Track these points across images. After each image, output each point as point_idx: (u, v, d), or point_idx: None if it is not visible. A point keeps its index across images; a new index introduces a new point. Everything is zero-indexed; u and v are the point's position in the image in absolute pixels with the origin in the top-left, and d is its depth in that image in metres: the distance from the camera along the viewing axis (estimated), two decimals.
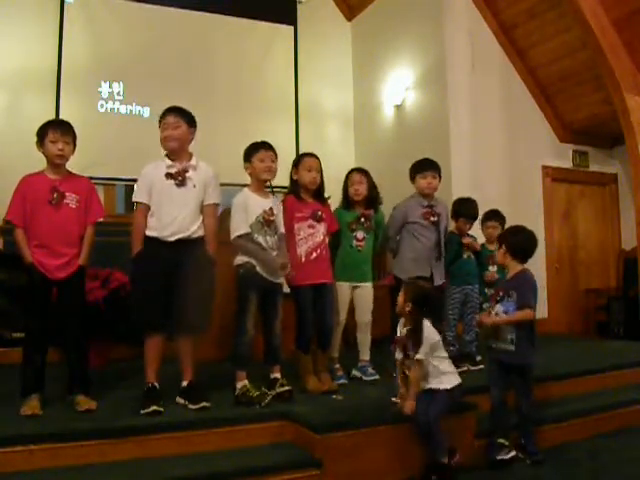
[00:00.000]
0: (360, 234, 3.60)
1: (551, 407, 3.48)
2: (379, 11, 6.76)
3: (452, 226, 4.03)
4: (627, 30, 5.10)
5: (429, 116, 5.95)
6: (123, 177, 5.76)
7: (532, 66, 6.27)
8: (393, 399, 2.96)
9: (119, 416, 2.74)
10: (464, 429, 2.98)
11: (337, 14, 7.28)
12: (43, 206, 2.84)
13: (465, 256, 3.96)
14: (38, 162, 2.97)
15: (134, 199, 3.02)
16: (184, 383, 2.98)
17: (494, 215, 4.17)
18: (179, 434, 2.67)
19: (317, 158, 3.47)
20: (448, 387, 2.82)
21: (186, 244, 2.94)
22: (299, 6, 6.92)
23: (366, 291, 3.63)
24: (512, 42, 6.20)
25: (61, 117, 5.23)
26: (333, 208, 3.67)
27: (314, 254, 3.35)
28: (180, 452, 2.61)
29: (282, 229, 3.25)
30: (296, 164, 3.48)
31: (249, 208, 3.13)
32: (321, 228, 3.40)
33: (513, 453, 2.97)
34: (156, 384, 2.91)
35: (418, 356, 2.77)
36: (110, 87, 5.95)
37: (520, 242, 3.06)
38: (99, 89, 5.90)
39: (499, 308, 2.99)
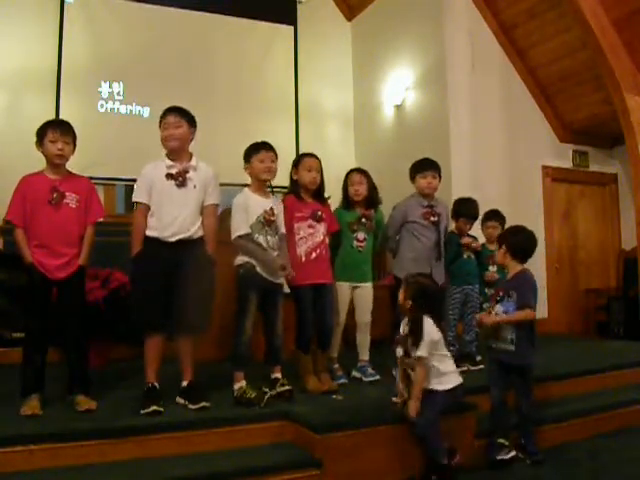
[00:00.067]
0: (361, 235, 3.60)
1: (551, 407, 3.48)
2: (379, 11, 6.76)
3: (452, 226, 4.03)
4: (627, 30, 5.10)
5: (429, 116, 5.94)
6: (123, 177, 5.76)
7: (532, 66, 6.28)
8: (393, 399, 2.95)
9: (119, 416, 2.74)
10: (464, 429, 2.98)
11: (337, 14, 7.28)
12: (43, 206, 2.84)
13: (465, 256, 3.96)
14: (38, 162, 2.97)
15: (134, 199, 3.02)
16: (184, 383, 2.98)
17: (494, 215, 4.17)
18: (179, 434, 2.67)
19: (317, 158, 3.47)
20: (448, 388, 2.80)
21: (186, 244, 2.94)
22: (299, 6, 6.92)
23: (366, 291, 3.63)
24: (512, 42, 6.20)
25: (61, 117, 5.23)
26: (333, 208, 3.67)
27: (314, 254, 3.35)
28: (180, 452, 2.61)
29: (283, 229, 3.25)
30: (296, 164, 3.48)
31: (250, 208, 3.13)
32: (321, 228, 3.40)
33: (513, 453, 2.97)
34: (156, 384, 2.91)
35: (418, 353, 2.74)
36: (110, 87, 5.95)
37: (520, 242, 3.06)
38: (99, 89, 5.90)
39: (499, 308, 2.99)
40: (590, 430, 3.44)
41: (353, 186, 3.63)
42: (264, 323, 3.18)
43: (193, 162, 3.05)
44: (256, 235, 3.11)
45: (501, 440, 2.96)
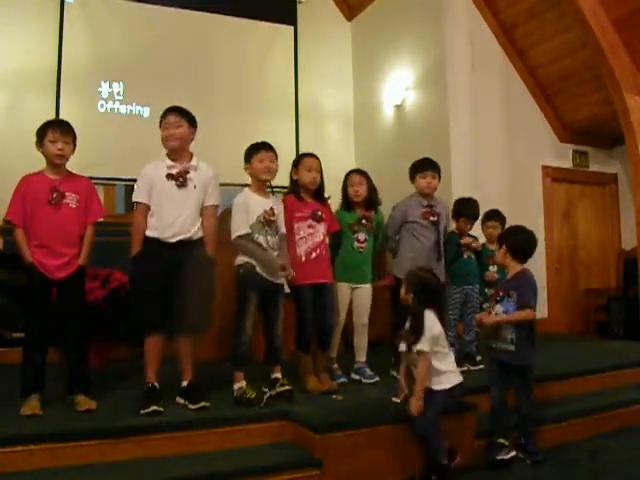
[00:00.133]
0: (362, 236, 3.60)
1: (551, 407, 3.48)
2: (379, 11, 6.76)
3: (453, 226, 4.03)
4: (627, 30, 5.10)
5: (429, 116, 5.94)
6: (123, 177, 5.76)
7: (532, 66, 6.27)
8: (393, 399, 2.95)
9: (119, 416, 2.74)
10: (464, 429, 2.98)
11: (337, 14, 7.28)
12: (43, 206, 2.84)
13: (465, 256, 3.96)
14: (38, 162, 2.97)
15: (134, 199, 3.02)
16: (184, 383, 2.98)
17: (494, 215, 4.17)
18: (179, 434, 2.67)
19: (317, 158, 3.47)
20: (447, 387, 2.79)
21: (186, 245, 2.94)
22: (299, 6, 6.92)
23: (365, 292, 3.63)
24: (512, 42, 6.20)
25: (61, 117, 5.23)
26: (333, 208, 3.67)
27: (314, 254, 3.35)
28: (180, 452, 2.61)
29: (283, 229, 3.25)
30: (296, 164, 3.48)
31: (250, 208, 3.13)
32: (321, 228, 3.40)
33: (513, 453, 2.97)
34: (156, 384, 2.91)
35: (419, 346, 2.72)
36: (110, 87, 5.95)
37: (520, 242, 3.06)
38: (99, 89, 5.90)
39: (499, 308, 2.99)
40: (590, 430, 3.44)
41: (353, 187, 3.62)
42: (264, 323, 3.18)
43: (193, 162, 3.05)
44: (256, 235, 3.11)
45: (501, 440, 2.96)
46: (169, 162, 3.01)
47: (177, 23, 6.25)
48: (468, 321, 3.93)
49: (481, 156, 5.80)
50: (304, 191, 3.43)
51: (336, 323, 3.50)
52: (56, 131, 2.87)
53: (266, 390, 3.01)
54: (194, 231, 2.98)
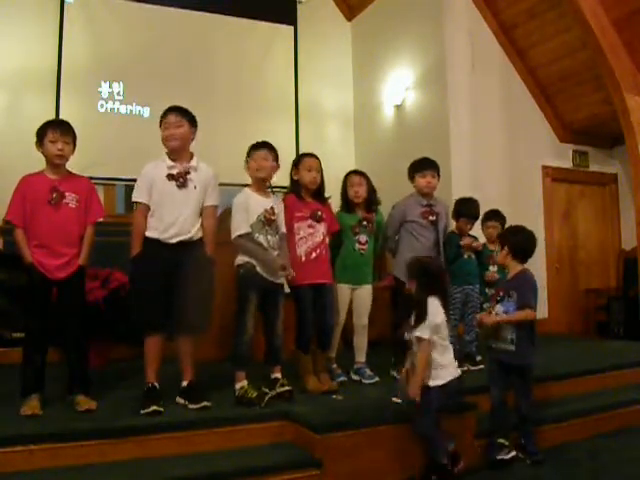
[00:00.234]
0: (363, 237, 3.59)
1: (551, 407, 3.48)
2: (379, 11, 6.75)
3: (453, 226, 4.03)
4: (627, 30, 5.10)
5: (429, 116, 5.94)
6: (123, 177, 5.75)
7: (532, 66, 6.27)
8: (393, 399, 2.95)
9: (119, 416, 2.74)
10: (464, 429, 2.98)
11: (337, 14, 7.28)
12: (43, 206, 2.84)
13: (466, 256, 3.95)
14: (38, 162, 2.97)
15: (134, 199, 3.02)
16: (184, 383, 2.99)
17: (494, 215, 4.17)
18: (179, 434, 2.67)
19: (317, 158, 3.47)
20: (440, 384, 2.71)
21: (186, 245, 2.94)
22: (299, 6, 6.92)
23: (365, 293, 3.62)
24: (512, 42, 6.20)
25: (61, 117, 5.23)
26: (333, 208, 3.66)
27: (314, 254, 3.35)
28: (180, 452, 2.61)
29: (283, 229, 3.25)
30: (296, 164, 3.48)
31: (250, 207, 3.13)
32: (321, 228, 3.40)
33: (513, 453, 2.97)
34: (156, 384, 2.91)
35: (418, 332, 2.68)
36: (110, 87, 5.94)
37: (520, 242, 3.06)
38: (99, 89, 5.90)
39: (499, 308, 2.99)
40: (590, 430, 3.44)
41: (353, 187, 3.62)
42: (264, 323, 3.18)
43: (194, 162, 3.05)
44: (256, 234, 3.11)
45: (501, 440, 2.96)
46: (169, 162, 3.01)
47: (177, 23, 6.24)
48: (468, 321, 3.93)
49: (481, 156, 5.80)
50: (304, 191, 3.43)
51: (336, 323, 3.50)
52: (56, 131, 2.87)
53: (266, 390, 3.02)
54: (194, 231, 2.98)
